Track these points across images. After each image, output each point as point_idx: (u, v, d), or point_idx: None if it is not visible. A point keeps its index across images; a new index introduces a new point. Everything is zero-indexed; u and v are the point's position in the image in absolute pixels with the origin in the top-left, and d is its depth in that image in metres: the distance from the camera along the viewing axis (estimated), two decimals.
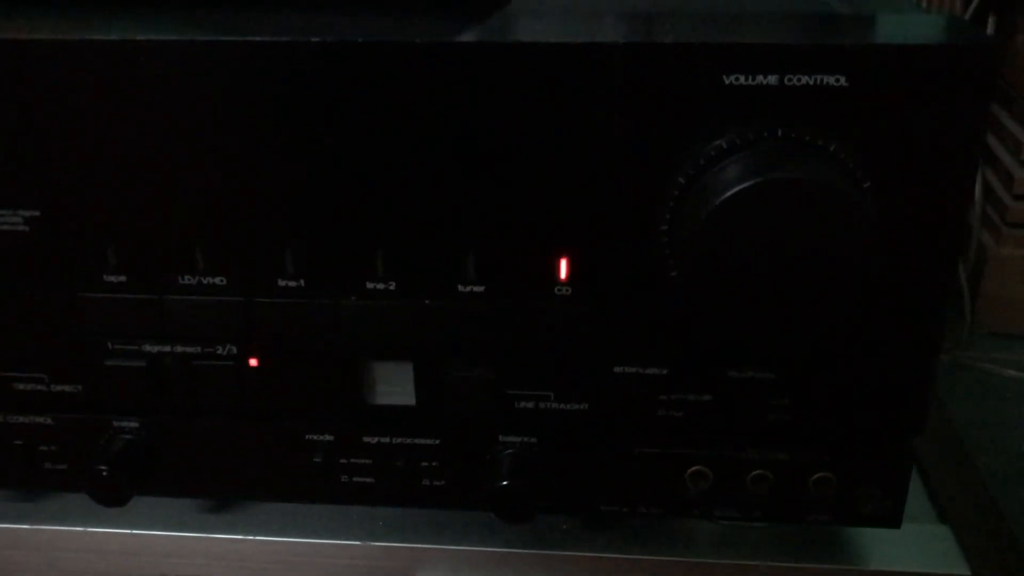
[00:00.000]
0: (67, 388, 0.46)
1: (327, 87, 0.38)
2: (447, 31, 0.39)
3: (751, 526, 0.51)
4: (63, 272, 0.43)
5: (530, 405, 0.44)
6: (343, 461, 0.47)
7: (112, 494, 0.46)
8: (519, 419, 0.45)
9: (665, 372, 0.42)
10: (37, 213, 0.42)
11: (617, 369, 0.43)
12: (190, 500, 0.52)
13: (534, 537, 0.50)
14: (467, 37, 0.39)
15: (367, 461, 0.47)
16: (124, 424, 0.47)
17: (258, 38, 0.38)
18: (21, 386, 0.46)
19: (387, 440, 0.46)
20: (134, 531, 0.51)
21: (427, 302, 0.42)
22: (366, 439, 0.46)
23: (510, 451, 0.45)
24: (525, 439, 0.45)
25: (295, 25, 0.41)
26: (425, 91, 0.38)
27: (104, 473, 0.45)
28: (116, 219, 0.42)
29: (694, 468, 0.45)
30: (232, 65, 0.38)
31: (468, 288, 0.42)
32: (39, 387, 0.46)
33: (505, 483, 0.44)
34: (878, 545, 0.50)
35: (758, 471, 0.45)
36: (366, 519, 0.51)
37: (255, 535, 0.51)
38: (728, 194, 0.35)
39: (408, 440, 0.46)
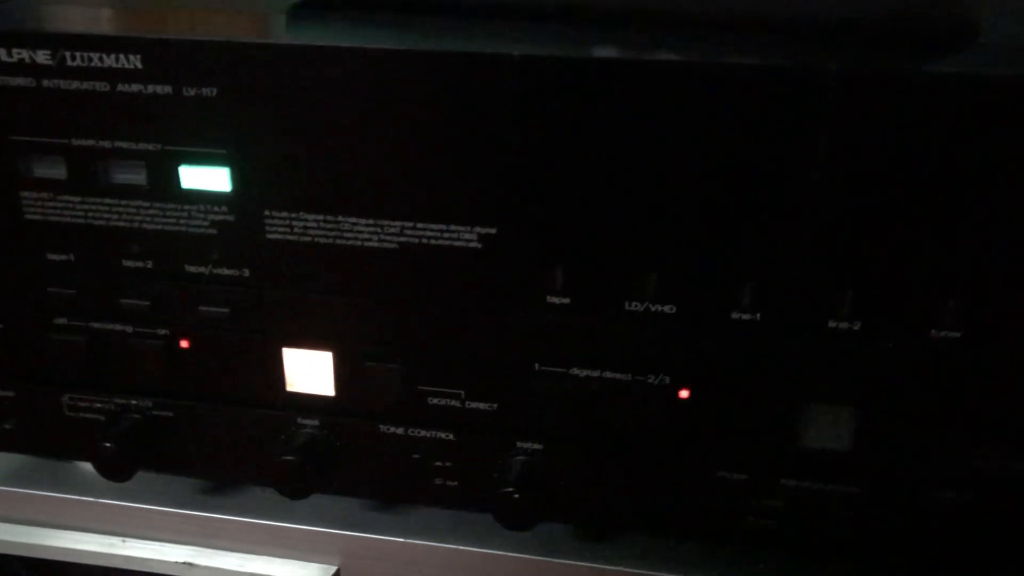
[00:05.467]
0: (481, 406, 0.45)
1: (795, 118, 0.37)
2: (926, 63, 0.37)
3: None
4: (506, 291, 0.42)
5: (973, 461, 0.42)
6: (753, 502, 0.45)
7: (521, 517, 0.45)
8: (956, 473, 0.42)
9: None
10: (493, 231, 0.41)
11: None
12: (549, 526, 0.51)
13: None
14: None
15: (779, 504, 0.45)
16: (527, 446, 0.46)
17: (687, 59, 0.37)
18: (435, 401, 0.46)
19: (806, 484, 0.44)
20: (495, 551, 0.50)
21: (891, 345, 0.40)
22: (784, 481, 0.44)
23: (944, 509, 0.43)
24: (958, 495, 0.43)
25: (752, 47, 0.39)
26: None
27: (516, 496, 0.44)
28: (571, 241, 0.41)
29: None
30: (667, 88, 0.38)
31: (942, 333, 0.39)
32: (453, 403, 0.46)
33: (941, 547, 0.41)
34: None
35: None
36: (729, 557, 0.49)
37: (629, 568, 0.49)
38: None
39: (830, 487, 0.44)
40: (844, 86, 0.36)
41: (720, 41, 0.41)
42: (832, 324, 0.40)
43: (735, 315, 0.41)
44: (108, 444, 0.47)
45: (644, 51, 0.39)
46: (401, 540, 0.51)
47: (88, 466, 0.56)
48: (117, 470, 0.48)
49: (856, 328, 0.40)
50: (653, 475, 0.46)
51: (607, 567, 0.49)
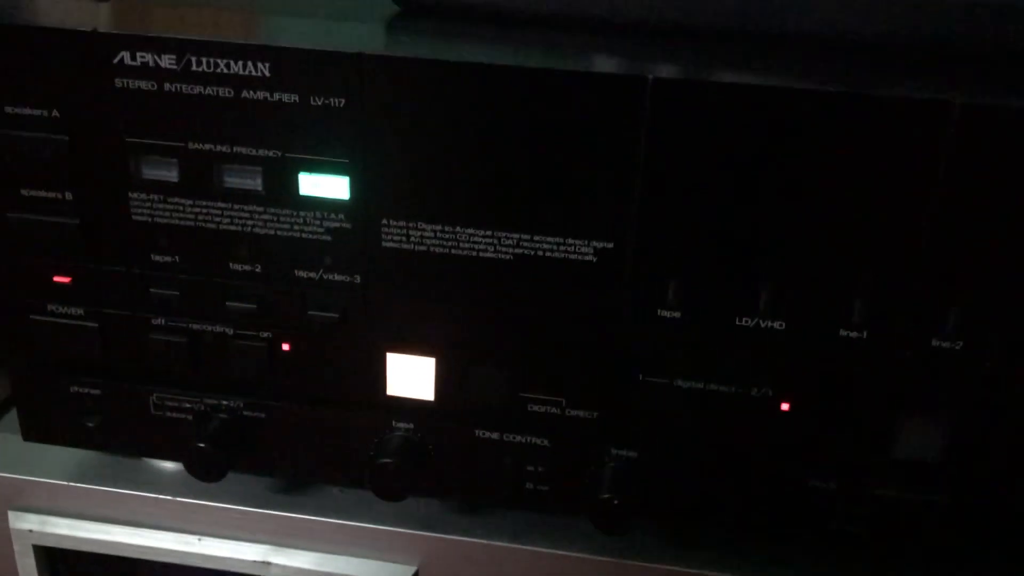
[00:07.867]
0: (581, 414, 0.47)
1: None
2: None
3: None
4: (617, 304, 0.44)
5: None
6: (841, 509, 0.47)
7: (619, 522, 0.46)
8: None
9: None
10: (610, 245, 0.42)
11: None
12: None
13: None
14: None
15: (869, 512, 0.46)
16: (621, 453, 0.47)
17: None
18: (536, 408, 0.47)
19: (894, 493, 0.46)
20: (575, 554, 0.51)
21: (988, 364, 0.42)
22: (872, 490, 0.46)
23: None
24: None
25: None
26: None
27: (615, 502, 0.46)
28: (687, 257, 0.42)
29: None
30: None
31: None
32: (553, 410, 0.47)
33: None
34: None
35: None
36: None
37: (711, 571, 0.50)
38: None
39: (918, 495, 0.46)
40: (968, 119, 0.38)
41: (826, 62, 0.42)
42: (936, 343, 0.42)
43: (843, 332, 0.42)
44: (202, 444, 0.48)
45: (762, 74, 0.40)
46: (482, 542, 0.52)
47: (164, 464, 0.56)
48: (210, 470, 0.48)
49: (958, 348, 0.42)
50: (744, 483, 0.47)
51: (687, 570, 0.51)
